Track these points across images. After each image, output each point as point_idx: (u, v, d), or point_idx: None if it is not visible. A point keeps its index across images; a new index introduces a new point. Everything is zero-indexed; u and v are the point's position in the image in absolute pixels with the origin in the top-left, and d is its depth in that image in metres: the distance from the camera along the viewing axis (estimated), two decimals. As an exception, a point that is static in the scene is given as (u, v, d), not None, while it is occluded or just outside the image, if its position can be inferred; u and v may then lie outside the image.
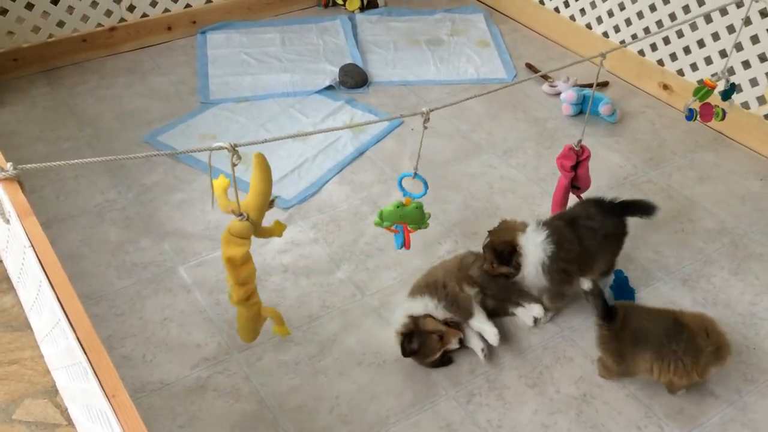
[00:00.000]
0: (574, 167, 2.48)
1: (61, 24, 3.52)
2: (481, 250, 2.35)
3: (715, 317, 2.32)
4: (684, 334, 2.03)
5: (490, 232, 2.32)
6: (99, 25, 3.62)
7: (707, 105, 2.61)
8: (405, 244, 2.11)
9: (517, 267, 2.23)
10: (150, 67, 3.61)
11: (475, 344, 2.24)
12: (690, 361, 2.02)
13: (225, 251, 1.77)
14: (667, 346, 2.02)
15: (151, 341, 2.27)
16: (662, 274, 2.54)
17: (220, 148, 1.59)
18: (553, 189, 2.89)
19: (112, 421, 1.08)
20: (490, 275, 2.29)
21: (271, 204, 1.83)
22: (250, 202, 1.75)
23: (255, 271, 1.87)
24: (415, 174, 1.99)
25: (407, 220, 2.08)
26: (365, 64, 3.65)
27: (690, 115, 2.60)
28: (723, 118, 2.65)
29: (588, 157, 2.47)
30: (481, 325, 2.22)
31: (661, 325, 2.06)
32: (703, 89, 2.54)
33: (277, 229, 1.93)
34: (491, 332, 2.20)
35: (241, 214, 1.71)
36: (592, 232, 2.27)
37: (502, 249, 2.22)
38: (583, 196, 2.58)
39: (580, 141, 2.43)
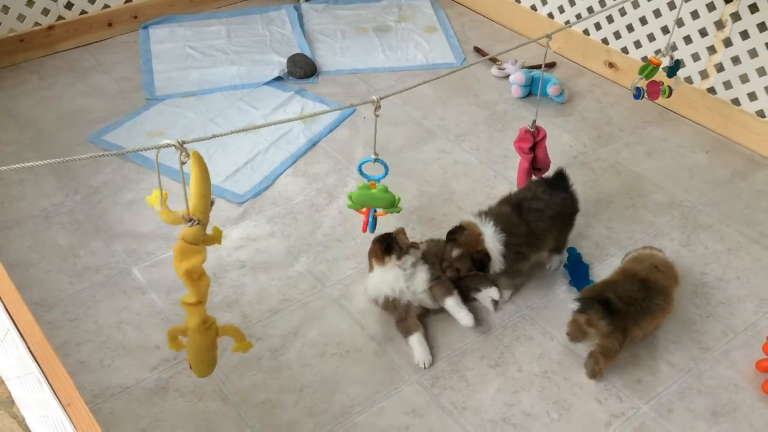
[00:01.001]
0: (532, 148, 2.51)
1: (-5, 24, 3.40)
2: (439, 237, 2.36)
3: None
4: (647, 288, 2.14)
5: (453, 240, 2.25)
6: (36, 24, 3.51)
7: (654, 83, 2.66)
8: (372, 224, 2.18)
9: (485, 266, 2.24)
10: (91, 65, 3.51)
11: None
12: (663, 303, 2.13)
13: (181, 265, 1.62)
14: (646, 302, 2.11)
15: (108, 345, 2.23)
16: (615, 249, 2.59)
17: (168, 145, 1.53)
18: (506, 171, 2.92)
19: (69, 430, 1.05)
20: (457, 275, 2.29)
21: (211, 205, 1.74)
22: (196, 204, 1.66)
23: (209, 282, 1.74)
24: (376, 158, 1.98)
25: (377, 203, 2.10)
26: (313, 53, 3.62)
27: (637, 93, 2.65)
28: (670, 95, 2.71)
29: (544, 138, 2.50)
30: (457, 307, 2.25)
31: (634, 288, 2.13)
32: (648, 67, 2.58)
33: (217, 236, 1.81)
34: (466, 317, 2.24)
35: (191, 219, 1.63)
36: (539, 212, 2.29)
37: (480, 258, 2.21)
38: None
39: (534, 122, 2.46)
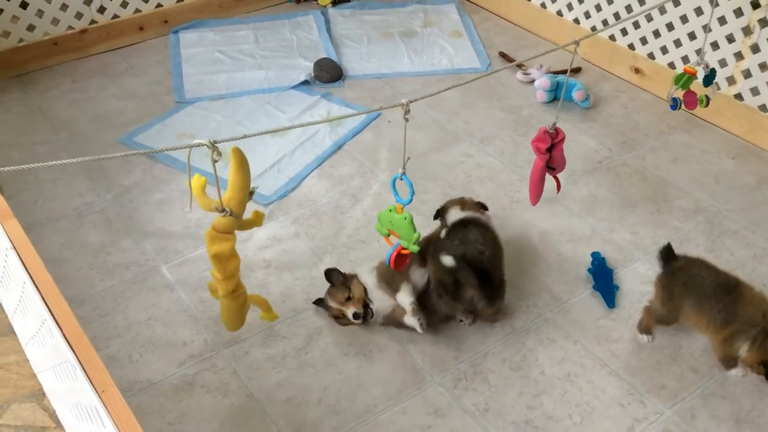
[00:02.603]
0: (549, 149, 2.50)
1: (31, 28, 3.49)
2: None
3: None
4: (732, 296, 2.09)
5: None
6: (70, 27, 3.59)
7: (691, 92, 2.60)
8: (390, 260, 1.96)
9: None
10: (123, 69, 3.59)
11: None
12: (720, 323, 2.08)
13: (211, 248, 1.78)
14: (709, 300, 2.09)
15: (137, 341, 2.28)
16: (639, 254, 2.58)
17: (200, 144, 1.59)
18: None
19: (104, 417, 1.09)
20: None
21: (250, 195, 1.83)
22: (232, 196, 1.75)
23: (240, 261, 1.88)
24: (403, 175, 1.86)
25: (396, 229, 1.94)
26: (339, 58, 3.66)
27: (674, 104, 2.59)
28: (707, 105, 2.61)
29: (562, 140, 2.47)
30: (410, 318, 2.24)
31: (717, 280, 2.12)
32: (684, 77, 2.50)
33: (258, 219, 1.93)
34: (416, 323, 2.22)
35: (224, 210, 1.71)
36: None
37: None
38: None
39: (554, 124, 2.44)
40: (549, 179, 2.63)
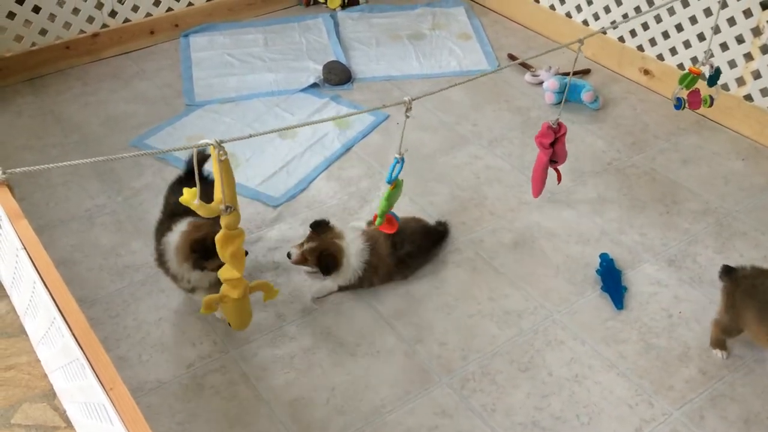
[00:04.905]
0: (552, 144, 2.56)
1: (43, 32, 3.52)
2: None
3: (701, 295, 2.37)
4: None
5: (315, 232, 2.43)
6: (81, 31, 3.63)
7: (695, 92, 2.61)
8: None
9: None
10: (134, 72, 3.62)
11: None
12: None
13: (227, 250, 1.83)
14: None
15: (147, 341, 2.29)
16: (648, 256, 2.58)
17: (206, 144, 1.61)
18: (538, 176, 2.93)
19: (111, 414, 1.10)
20: None
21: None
22: (227, 193, 1.77)
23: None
24: (402, 158, 2.03)
25: (393, 201, 2.15)
26: (348, 60, 3.67)
27: (678, 104, 2.61)
28: (711, 105, 2.64)
29: (564, 133, 2.56)
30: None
31: None
32: (688, 76, 2.52)
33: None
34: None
35: (227, 207, 1.75)
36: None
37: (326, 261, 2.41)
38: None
39: (557, 119, 2.51)
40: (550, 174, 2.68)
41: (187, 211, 2.18)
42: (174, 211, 2.27)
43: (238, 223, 1.83)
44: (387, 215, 2.18)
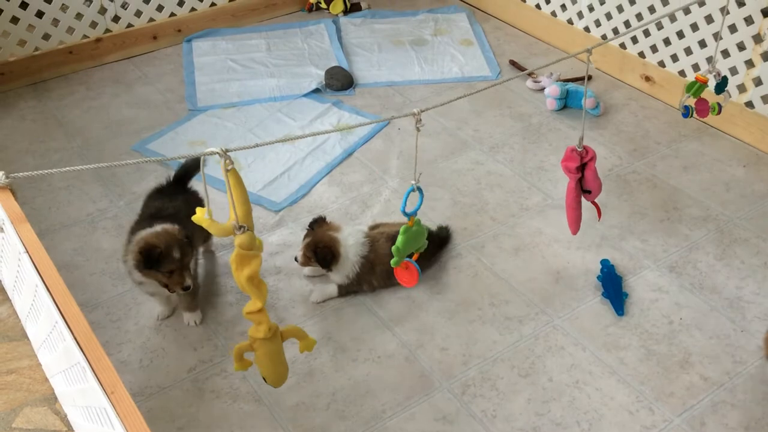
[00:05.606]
0: (580, 168, 2.28)
1: (46, 37, 3.54)
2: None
3: (702, 302, 2.37)
4: None
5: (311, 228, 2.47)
6: (85, 36, 3.64)
7: (702, 101, 2.60)
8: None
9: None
10: (137, 77, 3.63)
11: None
12: None
13: (242, 273, 1.67)
14: None
15: (147, 346, 2.30)
16: (649, 262, 2.58)
17: (212, 153, 1.59)
18: (540, 183, 2.94)
19: (112, 417, 1.11)
20: None
21: None
22: (240, 212, 1.71)
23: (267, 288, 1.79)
24: (417, 187, 1.83)
25: (414, 243, 1.94)
26: (350, 66, 3.68)
27: (686, 112, 2.59)
28: (719, 112, 2.61)
29: (593, 159, 2.26)
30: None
31: None
32: (695, 84, 2.50)
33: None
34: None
35: (241, 227, 1.68)
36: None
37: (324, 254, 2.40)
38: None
39: (581, 140, 2.23)
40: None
41: (163, 218, 2.23)
42: (153, 215, 2.30)
43: (254, 244, 1.66)
44: (405, 261, 1.94)
